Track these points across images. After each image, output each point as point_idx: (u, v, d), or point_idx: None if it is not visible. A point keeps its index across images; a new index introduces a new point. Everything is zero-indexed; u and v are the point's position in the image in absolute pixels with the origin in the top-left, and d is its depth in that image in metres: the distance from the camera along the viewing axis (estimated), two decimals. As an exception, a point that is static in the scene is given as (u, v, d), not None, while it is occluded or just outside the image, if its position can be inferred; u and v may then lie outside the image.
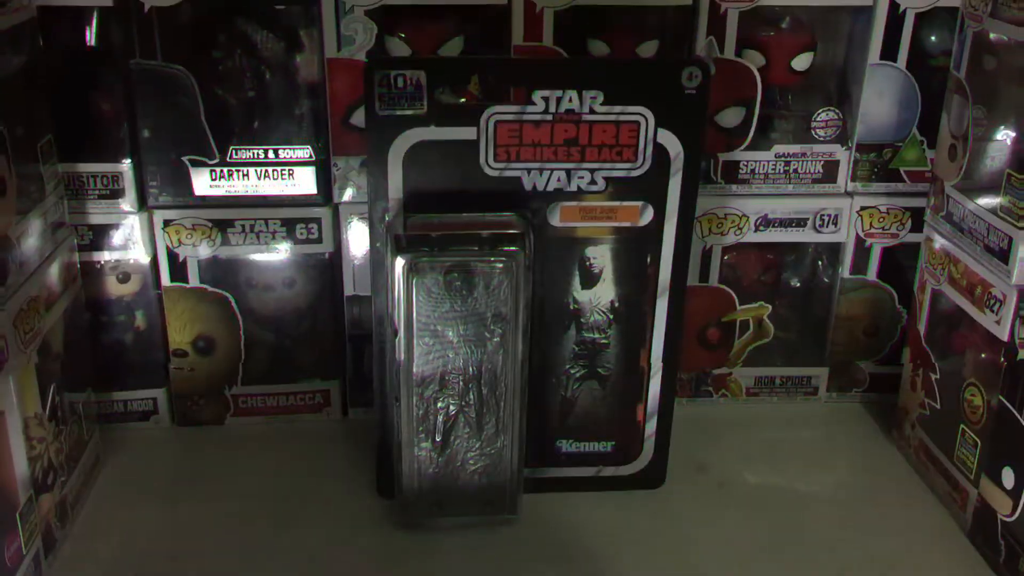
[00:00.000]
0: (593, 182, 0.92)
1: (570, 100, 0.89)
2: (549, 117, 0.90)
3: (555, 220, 0.93)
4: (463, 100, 0.91)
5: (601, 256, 0.95)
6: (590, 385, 1.00)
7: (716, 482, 1.05)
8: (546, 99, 0.89)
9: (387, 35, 1.00)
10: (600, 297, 0.97)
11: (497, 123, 0.90)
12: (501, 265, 0.88)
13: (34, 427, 0.88)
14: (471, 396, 0.92)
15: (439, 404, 0.92)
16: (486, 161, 0.91)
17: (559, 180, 0.92)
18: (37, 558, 0.89)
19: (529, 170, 0.91)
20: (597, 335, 0.98)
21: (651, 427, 1.01)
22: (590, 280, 0.96)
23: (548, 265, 0.94)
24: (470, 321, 0.89)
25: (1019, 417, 0.90)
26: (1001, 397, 0.92)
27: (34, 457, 0.88)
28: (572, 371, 0.99)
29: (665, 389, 1.00)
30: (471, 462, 0.95)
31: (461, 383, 0.91)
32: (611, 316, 0.97)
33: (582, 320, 0.97)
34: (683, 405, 1.08)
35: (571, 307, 0.97)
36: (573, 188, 0.92)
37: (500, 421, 0.93)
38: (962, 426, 0.98)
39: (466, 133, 0.90)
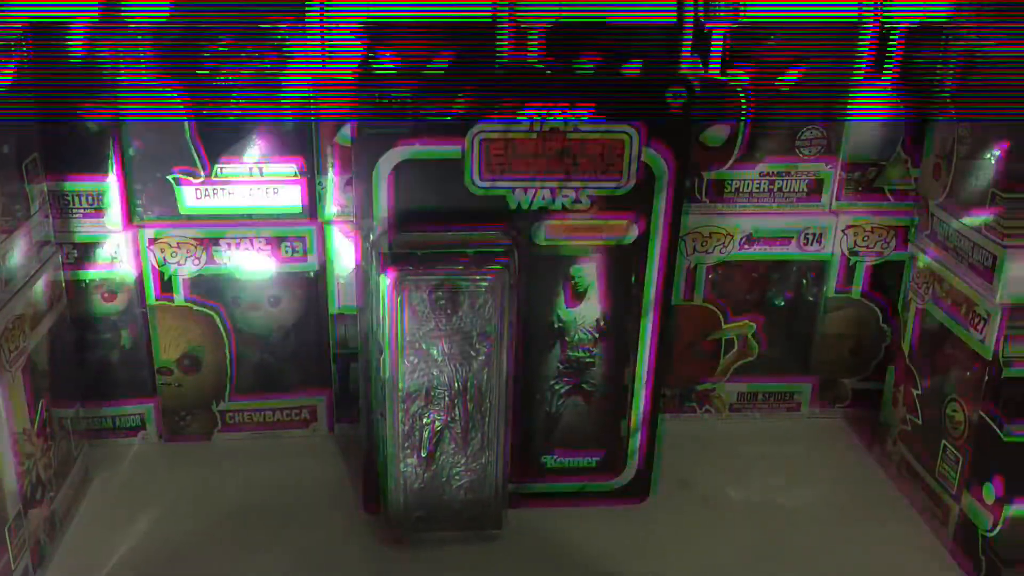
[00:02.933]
0: (579, 200, 0.92)
1: (555, 117, 0.89)
2: (535, 134, 0.89)
3: (541, 237, 0.92)
4: (449, 118, 0.90)
5: (587, 273, 0.95)
6: (574, 401, 0.99)
7: (700, 497, 1.05)
8: (532, 117, 0.89)
9: (373, 51, 0.99)
10: (585, 315, 0.96)
11: (483, 140, 0.89)
12: (486, 283, 0.87)
13: (23, 443, 0.87)
14: (457, 411, 0.91)
15: (425, 420, 0.92)
16: (472, 179, 0.90)
17: (545, 197, 0.91)
18: (26, 573, 0.88)
19: (515, 188, 0.91)
20: (582, 353, 0.98)
21: (636, 442, 1.01)
22: (576, 298, 0.96)
23: (533, 282, 0.94)
24: (455, 339, 0.89)
25: (1000, 433, 0.90)
26: (982, 413, 0.91)
27: (23, 472, 0.87)
28: (556, 387, 0.99)
29: (650, 405, 1.00)
30: (456, 477, 0.94)
31: (447, 398, 0.91)
32: (597, 334, 0.97)
33: (567, 338, 0.97)
34: (667, 421, 1.07)
35: (556, 325, 0.96)
36: (558, 206, 0.92)
37: (485, 436, 0.93)
38: (944, 442, 0.98)
39: (452, 151, 0.90)
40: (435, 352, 0.89)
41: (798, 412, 1.18)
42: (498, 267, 0.88)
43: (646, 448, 1.01)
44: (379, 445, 0.94)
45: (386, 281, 0.87)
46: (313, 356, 1.10)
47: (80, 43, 0.97)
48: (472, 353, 0.90)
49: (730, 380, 1.16)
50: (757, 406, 1.17)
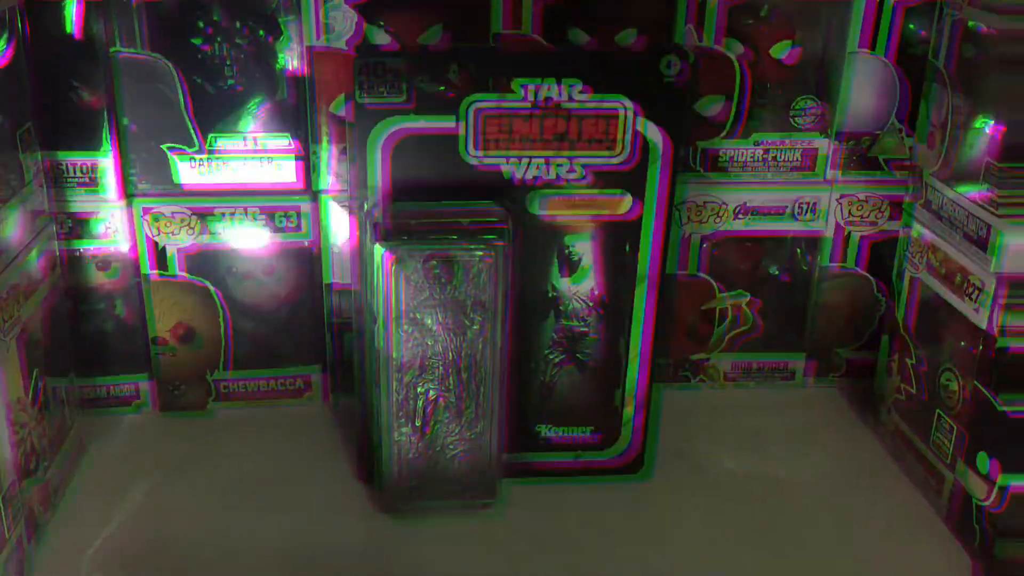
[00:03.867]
0: (573, 171, 0.92)
1: (549, 89, 0.89)
2: (530, 107, 0.89)
3: (537, 210, 0.92)
4: (442, 88, 0.90)
5: (583, 246, 0.95)
6: (569, 371, 0.99)
7: (695, 468, 1.05)
8: (527, 89, 0.89)
9: (369, 24, 0.99)
10: (581, 286, 0.96)
11: (480, 113, 0.89)
12: (482, 254, 0.88)
13: (17, 412, 0.88)
14: (451, 382, 0.92)
15: (419, 389, 0.92)
16: (469, 151, 0.90)
17: (540, 170, 0.91)
18: (20, 543, 0.88)
19: (511, 160, 0.91)
20: (577, 323, 0.98)
21: (630, 414, 1.01)
22: (571, 269, 0.96)
23: (529, 254, 0.94)
24: (450, 309, 0.89)
25: (995, 403, 0.90)
26: (977, 383, 0.92)
27: (18, 442, 0.87)
28: (551, 357, 0.99)
29: (645, 376, 1.00)
30: (451, 447, 0.94)
31: (441, 369, 0.91)
32: (592, 304, 0.97)
33: (561, 308, 0.97)
34: (663, 392, 1.07)
35: (550, 295, 0.96)
36: (554, 178, 0.92)
37: (480, 407, 0.93)
38: (938, 411, 0.98)
39: (449, 124, 0.90)
40: (430, 322, 0.89)
41: (792, 382, 1.18)
42: (494, 238, 0.88)
43: (642, 420, 1.01)
44: (374, 415, 0.94)
45: (381, 251, 0.87)
46: (308, 327, 1.11)
47: (75, 14, 0.97)
48: (467, 323, 0.90)
49: (724, 351, 1.16)
50: (752, 376, 1.17)
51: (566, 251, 0.95)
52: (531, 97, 0.89)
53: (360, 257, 0.93)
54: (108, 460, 1.04)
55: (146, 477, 1.01)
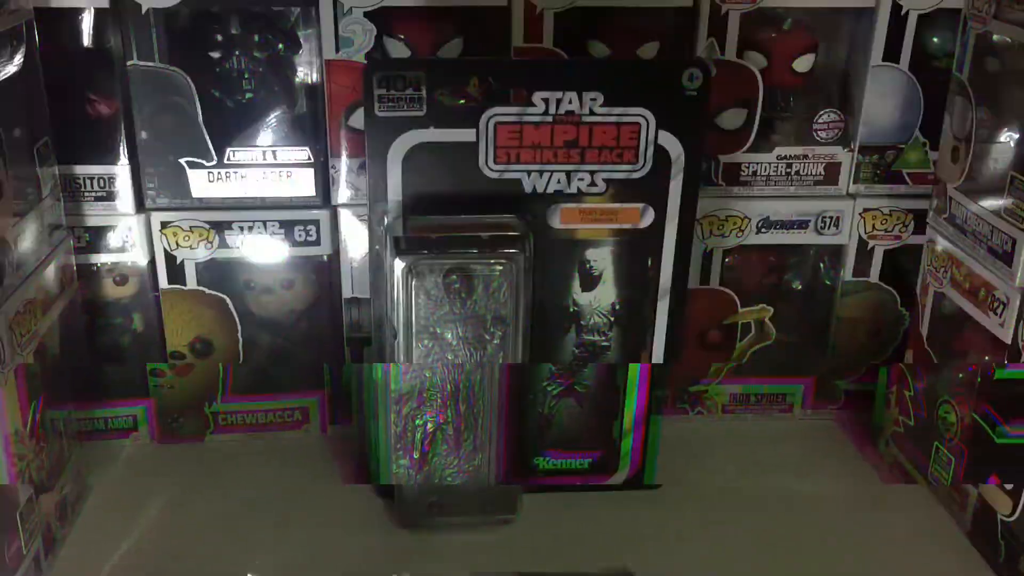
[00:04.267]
0: (593, 184, 0.91)
1: (570, 102, 0.89)
2: (549, 119, 0.89)
3: (555, 222, 0.92)
4: (462, 102, 0.90)
5: (601, 258, 0.95)
6: (567, 403, 0.99)
7: (693, 497, 1.04)
8: (546, 101, 0.89)
9: (386, 36, 0.99)
10: (600, 299, 0.96)
11: (497, 125, 0.89)
12: (501, 268, 0.87)
13: (15, 444, 0.87)
14: (450, 412, 0.91)
15: (418, 421, 0.92)
16: (486, 163, 0.90)
17: (559, 182, 0.91)
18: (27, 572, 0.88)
19: (529, 172, 0.90)
20: (598, 337, 0.97)
21: (629, 444, 1.01)
22: (590, 282, 0.95)
23: (548, 267, 0.93)
24: (469, 323, 0.88)
25: (992, 434, 0.91)
26: (975, 415, 0.92)
27: (17, 474, 0.87)
28: (550, 389, 0.99)
29: (642, 406, 1.00)
30: (449, 478, 0.94)
31: (440, 399, 0.91)
32: (612, 318, 0.97)
33: (582, 323, 0.97)
34: (660, 423, 1.07)
35: (571, 309, 0.96)
36: (573, 190, 0.91)
37: (478, 437, 0.93)
38: (936, 443, 0.98)
39: (466, 135, 0.89)
40: (449, 336, 0.89)
41: (790, 413, 1.18)
42: (513, 251, 0.88)
43: (640, 445, 1.01)
44: (372, 445, 0.95)
45: (400, 265, 0.86)
46: (326, 339, 1.10)
47: (91, 27, 0.97)
48: (487, 337, 0.89)
49: (723, 382, 1.16)
50: (749, 407, 1.17)
51: (586, 265, 0.95)
52: (551, 109, 0.89)
53: (378, 270, 0.92)
54: (107, 491, 1.04)
55: (145, 508, 1.01)
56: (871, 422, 1.12)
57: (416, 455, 0.93)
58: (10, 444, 0.86)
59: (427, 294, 0.87)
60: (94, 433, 1.10)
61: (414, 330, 0.88)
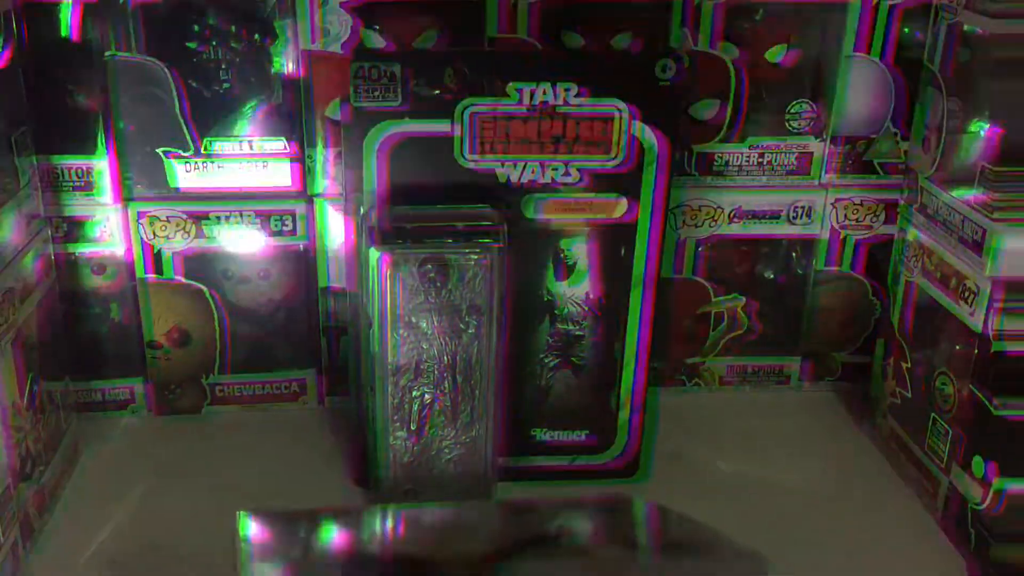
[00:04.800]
0: (568, 174, 0.92)
1: (545, 92, 0.89)
2: (525, 110, 0.89)
3: (531, 213, 0.93)
4: (437, 92, 0.90)
5: (577, 248, 0.95)
6: (564, 374, 0.99)
7: (690, 472, 1.05)
8: (522, 92, 0.89)
9: (363, 28, 0.99)
10: (576, 289, 0.96)
11: (474, 116, 0.89)
12: (476, 257, 0.88)
13: (13, 416, 0.88)
14: (446, 385, 0.92)
15: (414, 393, 0.92)
16: (462, 154, 0.90)
17: (535, 173, 0.91)
18: (15, 547, 0.88)
19: (505, 163, 0.91)
20: (572, 326, 0.98)
21: (625, 417, 1.01)
22: (567, 273, 0.96)
23: (524, 257, 0.94)
24: (445, 312, 0.89)
25: (990, 407, 0.90)
26: (972, 387, 0.92)
27: (13, 446, 0.87)
28: (547, 360, 0.99)
29: (639, 379, 1.00)
30: (446, 451, 0.94)
31: (436, 372, 0.91)
32: (587, 308, 0.97)
33: (556, 312, 0.97)
34: (657, 395, 1.07)
35: (545, 299, 0.96)
36: (549, 180, 0.92)
37: (475, 410, 0.93)
38: (933, 415, 0.98)
39: (443, 126, 0.90)
40: (424, 326, 0.89)
41: (788, 385, 1.18)
42: (488, 241, 0.88)
43: (638, 423, 1.01)
44: (369, 419, 0.94)
45: (376, 255, 0.87)
46: (303, 330, 1.11)
47: (71, 18, 0.97)
48: (462, 327, 0.90)
49: (720, 354, 1.16)
50: (747, 380, 1.17)
51: (561, 255, 0.95)
52: (527, 100, 0.89)
53: (355, 260, 0.92)
54: (103, 464, 1.05)
55: (141, 481, 1.01)
56: (868, 394, 1.12)
57: (413, 427, 0.93)
58: (7, 416, 0.86)
59: (403, 284, 0.87)
60: (92, 404, 1.10)
61: (389, 319, 0.89)
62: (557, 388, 1.00)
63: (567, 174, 0.92)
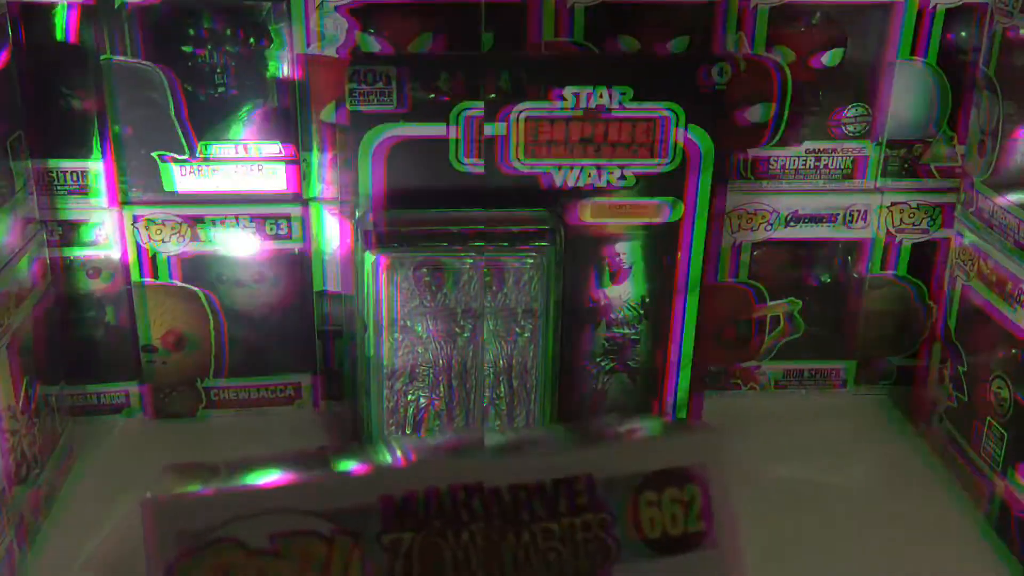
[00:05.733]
0: (622, 178, 0.92)
1: (600, 96, 0.89)
2: (578, 113, 0.90)
3: (582, 216, 0.93)
4: (432, 96, 0.91)
5: (629, 252, 0.95)
6: (620, 378, 1.00)
7: (742, 474, 1.05)
8: (575, 95, 0.89)
9: (360, 31, 0.99)
10: (629, 293, 0.97)
11: (526, 119, 0.90)
12: (532, 260, 0.88)
13: (8, 420, 0.88)
14: (442, 389, 0.92)
15: (409, 397, 0.92)
16: (516, 156, 0.91)
17: (588, 176, 0.92)
18: (11, 550, 0.89)
19: (559, 167, 0.91)
20: (627, 330, 0.98)
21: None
22: (618, 276, 0.96)
23: (574, 261, 0.94)
24: (440, 317, 0.89)
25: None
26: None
27: (9, 450, 0.88)
28: (602, 363, 0.99)
29: (692, 383, 1.00)
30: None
31: (432, 376, 0.91)
32: (640, 311, 0.97)
33: (612, 316, 0.97)
34: (710, 398, 1.06)
35: (599, 303, 0.97)
36: (601, 184, 0.92)
37: (530, 413, 0.93)
38: (989, 419, 0.98)
39: (439, 130, 0.90)
40: (420, 329, 0.90)
41: (842, 390, 1.18)
42: (542, 244, 0.88)
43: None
44: (364, 423, 0.95)
45: (371, 259, 0.87)
46: (299, 333, 1.11)
47: (67, 21, 0.98)
48: (516, 330, 0.90)
49: (774, 359, 1.16)
50: (801, 384, 1.17)
51: (611, 258, 0.95)
52: (578, 103, 0.90)
53: (351, 264, 0.93)
54: (99, 467, 1.05)
55: (137, 484, 1.01)
56: (923, 398, 1.11)
57: (408, 431, 0.93)
58: (3, 420, 0.87)
59: (398, 287, 0.88)
60: (87, 408, 1.11)
61: (384, 324, 0.89)
62: (612, 392, 1.00)
63: (620, 178, 0.92)
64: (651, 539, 0.65)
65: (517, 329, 0.90)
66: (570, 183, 0.92)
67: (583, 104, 0.89)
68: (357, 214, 0.91)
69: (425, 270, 0.87)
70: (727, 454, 0.68)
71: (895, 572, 0.93)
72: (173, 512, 0.62)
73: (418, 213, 0.91)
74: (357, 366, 0.94)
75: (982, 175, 0.97)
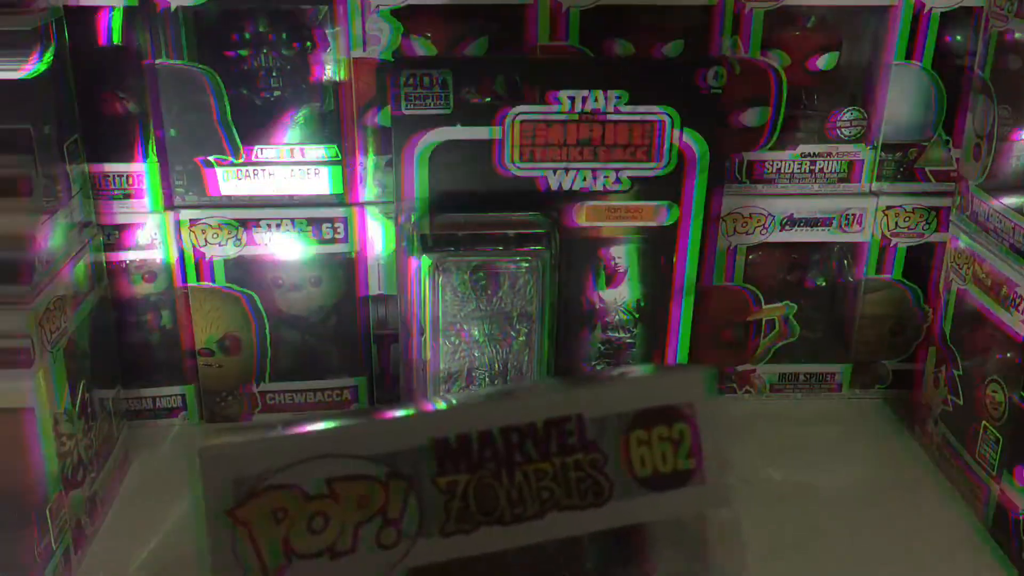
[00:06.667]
0: (617, 181, 0.92)
1: (595, 100, 0.89)
2: (574, 117, 0.90)
3: (578, 220, 0.93)
4: (488, 99, 0.91)
5: (625, 255, 0.95)
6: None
7: (739, 478, 1.05)
8: (571, 99, 0.89)
9: (412, 35, 1.00)
10: (624, 296, 0.97)
11: (521, 123, 0.90)
12: (527, 264, 0.88)
13: (63, 424, 0.88)
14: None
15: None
16: (511, 160, 0.91)
17: (584, 180, 0.92)
18: (67, 554, 0.89)
19: (554, 170, 0.91)
20: (622, 334, 0.98)
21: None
22: (613, 279, 0.96)
23: (571, 264, 0.94)
24: (495, 319, 0.89)
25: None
26: (1022, 394, 0.91)
27: (64, 454, 0.88)
28: (597, 367, 0.99)
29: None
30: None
31: (487, 379, 0.91)
32: (636, 315, 0.97)
33: (607, 319, 0.97)
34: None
35: (595, 306, 0.97)
36: (597, 188, 0.92)
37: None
38: (984, 423, 0.98)
39: (489, 132, 0.90)
40: (476, 332, 0.89)
41: (838, 393, 1.18)
42: (538, 247, 0.88)
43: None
44: None
45: (427, 262, 0.87)
46: (353, 337, 1.11)
47: (119, 25, 0.98)
48: (512, 334, 0.90)
49: (769, 362, 1.16)
50: (797, 387, 1.17)
51: (610, 261, 0.95)
52: (574, 107, 0.90)
53: (404, 268, 0.93)
54: (153, 471, 1.05)
55: (191, 488, 1.02)
56: (919, 402, 1.12)
57: None
58: (58, 424, 0.87)
59: (454, 291, 0.88)
60: (141, 412, 1.11)
61: (440, 327, 0.89)
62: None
63: (616, 182, 0.92)
64: (642, 477, 0.65)
65: (512, 333, 0.90)
66: (565, 186, 0.91)
67: (579, 107, 0.89)
68: (410, 217, 0.91)
69: (480, 273, 0.87)
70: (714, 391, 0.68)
71: (893, 574, 0.93)
72: (229, 459, 0.62)
73: (471, 216, 0.90)
74: (411, 369, 0.94)
75: (978, 178, 0.97)
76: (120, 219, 1.03)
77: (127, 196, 1.02)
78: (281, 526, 0.62)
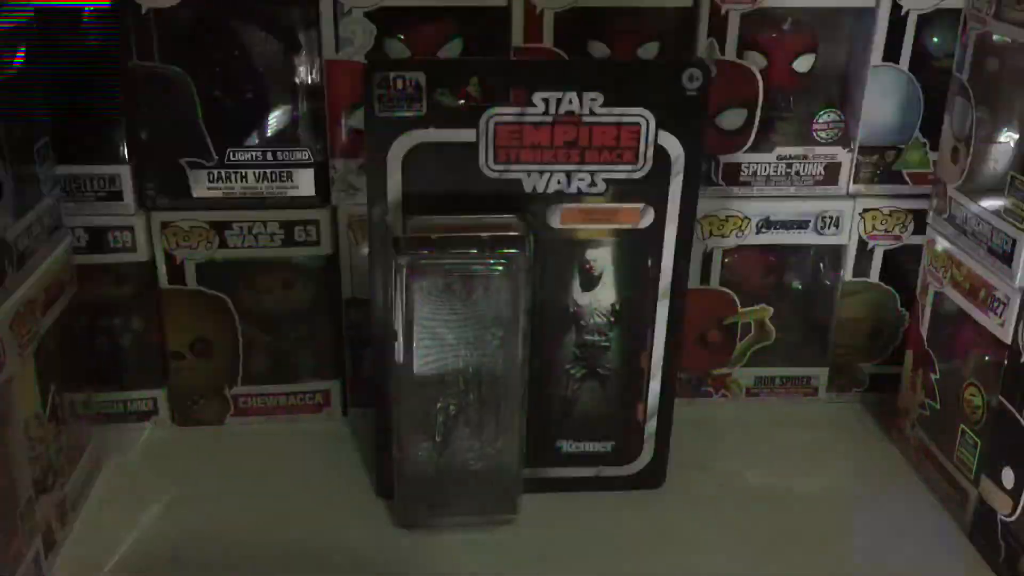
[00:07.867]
0: (593, 184, 0.91)
1: (570, 102, 0.89)
2: (549, 119, 0.89)
3: (555, 222, 0.92)
4: (462, 102, 0.90)
5: (601, 258, 0.95)
6: (590, 385, 0.99)
7: (716, 482, 1.05)
8: (546, 101, 0.89)
9: (386, 37, 0.99)
10: (600, 299, 0.96)
11: (497, 125, 0.89)
12: (501, 268, 0.87)
13: (34, 427, 0.88)
14: (471, 396, 0.91)
15: (439, 404, 0.91)
16: (486, 163, 0.90)
17: (559, 182, 0.91)
18: (37, 559, 0.88)
19: (529, 172, 0.91)
20: (597, 337, 0.97)
21: (651, 427, 1.00)
22: (590, 282, 0.96)
23: (548, 267, 0.94)
24: (470, 324, 0.89)
25: (1020, 418, 0.89)
26: (1001, 397, 0.91)
27: (35, 458, 0.88)
28: (572, 372, 0.99)
29: (665, 390, 0.99)
30: (471, 462, 0.94)
31: (461, 383, 0.91)
32: (612, 318, 0.97)
33: (582, 323, 0.97)
34: (683, 405, 1.06)
35: (571, 309, 0.96)
36: (573, 190, 0.91)
37: (500, 421, 0.92)
38: (962, 426, 0.98)
39: (465, 135, 0.89)
40: (450, 336, 0.89)
41: (815, 397, 1.18)
42: (513, 251, 0.88)
43: (662, 434, 1.01)
44: (393, 430, 0.94)
45: (401, 266, 0.86)
46: (326, 340, 1.10)
47: (92, 27, 0.97)
48: (488, 338, 0.89)
49: (747, 365, 1.15)
50: (774, 391, 1.17)
51: (586, 264, 0.95)
52: (549, 109, 0.89)
53: (378, 271, 0.92)
54: (125, 475, 1.04)
55: (162, 492, 1.01)
56: (897, 405, 1.11)
57: (438, 438, 0.93)
58: (28, 428, 0.87)
59: (427, 295, 0.87)
60: (113, 416, 1.10)
61: (414, 330, 0.88)
62: (583, 399, 1.00)
63: (593, 184, 0.91)
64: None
65: (488, 337, 0.89)
66: (540, 189, 0.91)
67: (553, 109, 0.88)
68: (384, 220, 0.90)
69: (455, 277, 0.86)
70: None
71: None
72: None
73: (446, 219, 0.90)
74: (385, 373, 0.93)
75: (956, 181, 0.97)
76: (93, 221, 1.03)
77: (101, 198, 1.02)
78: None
